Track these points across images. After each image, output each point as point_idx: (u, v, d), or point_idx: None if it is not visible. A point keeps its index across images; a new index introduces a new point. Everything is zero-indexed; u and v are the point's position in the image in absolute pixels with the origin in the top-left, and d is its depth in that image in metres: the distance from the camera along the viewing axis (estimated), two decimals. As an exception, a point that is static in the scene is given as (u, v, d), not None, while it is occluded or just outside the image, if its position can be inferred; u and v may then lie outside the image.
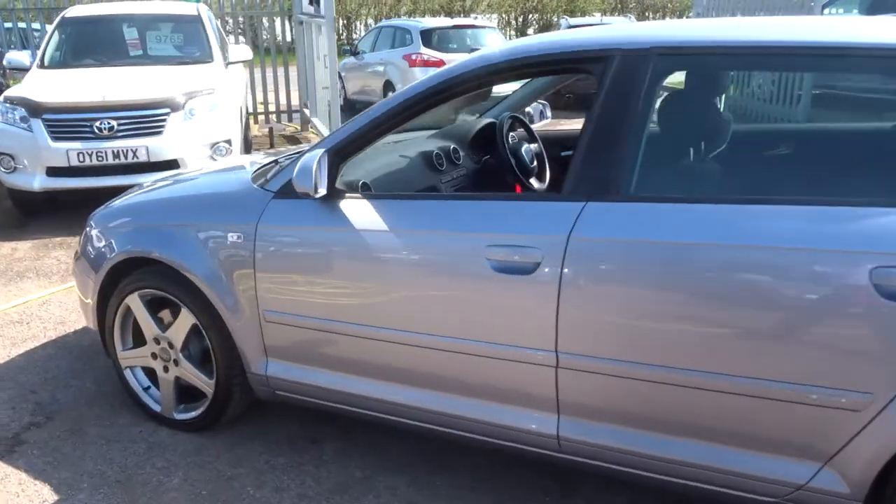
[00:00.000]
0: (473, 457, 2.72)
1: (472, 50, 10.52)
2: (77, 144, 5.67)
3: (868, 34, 1.95)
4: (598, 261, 2.02)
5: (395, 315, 2.32)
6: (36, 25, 10.15)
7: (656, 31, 2.15)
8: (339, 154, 2.45)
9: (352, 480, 2.64)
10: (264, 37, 11.36)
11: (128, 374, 3.05)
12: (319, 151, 2.37)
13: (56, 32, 7.05)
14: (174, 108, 5.89)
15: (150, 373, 3.04)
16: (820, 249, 1.80)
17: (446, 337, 2.25)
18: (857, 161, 2.11)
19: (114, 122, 5.71)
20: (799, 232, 1.83)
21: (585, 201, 2.07)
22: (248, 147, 7.21)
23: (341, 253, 2.39)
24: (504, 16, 26.96)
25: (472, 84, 2.37)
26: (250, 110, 9.75)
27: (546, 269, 2.07)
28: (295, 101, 10.99)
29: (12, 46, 9.77)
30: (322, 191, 2.35)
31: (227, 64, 7.18)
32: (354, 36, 27.74)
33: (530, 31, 28.47)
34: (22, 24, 10.06)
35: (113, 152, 5.71)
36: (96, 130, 5.69)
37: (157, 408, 3.00)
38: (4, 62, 7.12)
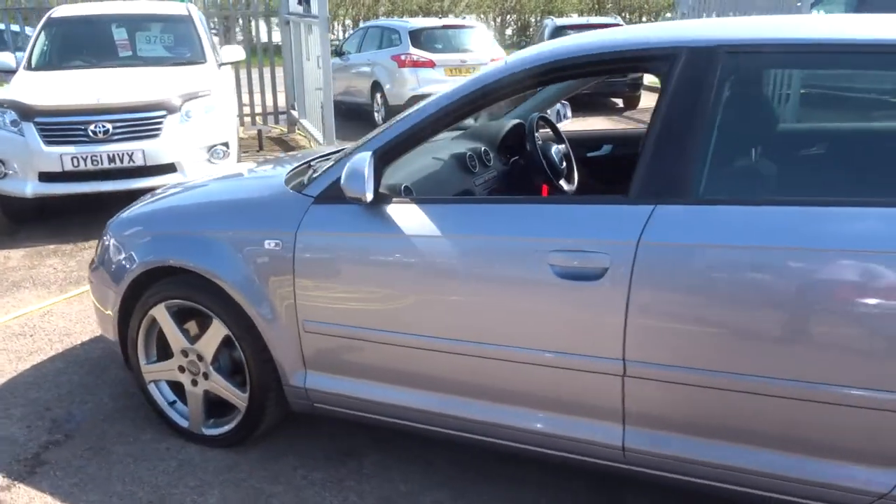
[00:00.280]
0: (515, 467, 2.64)
1: (462, 50, 10.47)
2: (71, 148, 5.50)
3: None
4: (669, 266, 1.95)
5: (450, 324, 2.24)
6: (15, 27, 9.89)
7: (723, 28, 2.09)
8: (385, 157, 2.36)
9: (396, 495, 2.55)
10: (238, 38, 11.16)
11: (152, 388, 2.92)
12: (366, 154, 2.27)
13: (42, 33, 6.84)
14: (170, 110, 5.74)
15: (175, 387, 2.92)
16: None
17: (506, 346, 2.17)
18: None
19: (109, 125, 5.55)
20: (884, 234, 1.77)
21: (654, 204, 2.00)
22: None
23: (392, 260, 2.29)
24: (482, 16, 26.92)
25: (525, 84, 2.29)
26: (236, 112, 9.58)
27: (614, 275, 2.00)
28: (281, 103, 10.84)
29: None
30: (370, 195, 2.25)
31: (220, 65, 7.03)
32: (332, 36, 27.54)
33: (508, 31, 28.49)
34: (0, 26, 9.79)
35: (108, 156, 5.54)
36: (91, 134, 5.52)
37: (184, 423, 2.88)
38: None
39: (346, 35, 20.37)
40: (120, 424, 3.04)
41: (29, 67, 6.49)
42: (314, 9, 8.11)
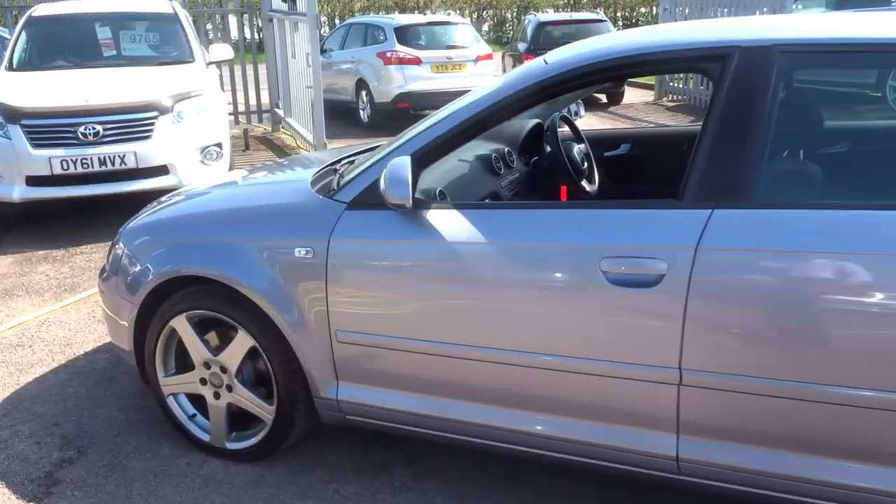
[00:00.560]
0: (550, 477, 2.58)
1: (448, 46, 10.38)
2: (60, 151, 5.34)
3: None
4: (729, 272, 1.90)
5: (495, 333, 2.16)
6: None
7: (777, 27, 2.04)
8: (422, 161, 2.28)
9: (433, 509, 2.48)
10: (209, 36, 10.93)
11: (170, 401, 2.82)
12: (406, 159, 2.19)
13: (23, 33, 6.64)
14: (162, 111, 5.60)
15: (195, 399, 2.82)
16: None
17: (555, 356, 2.11)
18: None
19: (99, 127, 5.39)
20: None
21: (712, 208, 1.94)
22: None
23: (434, 268, 2.21)
24: (458, 12, 26.83)
25: (571, 85, 2.22)
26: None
27: (671, 282, 1.94)
28: (264, 101, 10.68)
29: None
30: (412, 201, 2.18)
31: (209, 64, 6.88)
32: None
33: (485, 26, 28.42)
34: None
35: (99, 159, 5.39)
36: (80, 136, 5.37)
37: (205, 437, 2.78)
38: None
39: (326, 32, 20.18)
40: (135, 439, 2.93)
41: (10, 68, 6.29)
42: (300, 6, 7.99)
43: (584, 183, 3.15)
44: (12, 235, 5.72)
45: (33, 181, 5.39)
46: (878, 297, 1.78)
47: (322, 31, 19.57)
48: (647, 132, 3.65)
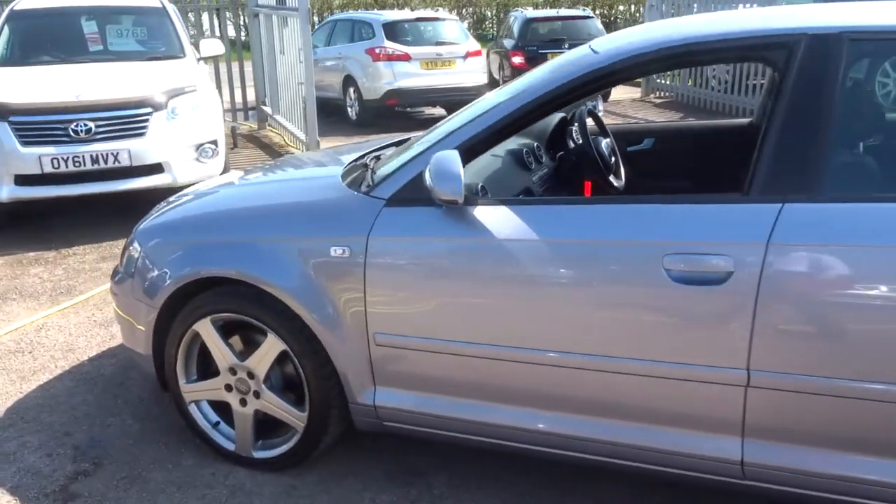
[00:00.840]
0: (594, 482, 2.50)
1: (437, 43, 10.26)
2: (50, 149, 5.15)
3: None
4: (802, 268, 1.82)
5: (548, 335, 2.07)
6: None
7: (845, 14, 1.96)
8: (466, 155, 2.18)
9: (475, 517, 2.38)
10: (191, 33, 10.72)
11: (193, 409, 2.69)
12: (453, 152, 2.09)
13: (5, 27, 6.41)
14: (156, 107, 5.43)
15: (217, 406, 2.69)
16: None
17: (610, 357, 2.02)
18: None
19: (91, 124, 5.21)
20: None
21: (781, 202, 1.86)
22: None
23: (483, 267, 2.11)
24: (436, 10, 26.66)
25: (622, 76, 2.13)
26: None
27: (740, 279, 1.86)
28: (249, 99, 10.49)
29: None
30: (463, 197, 2.07)
31: (199, 59, 6.71)
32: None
33: (465, 23, 28.24)
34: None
35: (91, 157, 5.21)
36: (72, 133, 5.18)
37: (229, 446, 2.66)
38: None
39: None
40: (152, 448, 2.80)
41: (-6, 64, 6.07)
42: (290, 1, 7.83)
43: (611, 178, 3.07)
44: (1, 236, 5.52)
45: (22, 180, 5.19)
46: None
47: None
48: (670, 126, 3.58)
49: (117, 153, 5.26)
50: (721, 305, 1.89)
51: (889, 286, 1.76)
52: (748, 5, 10.30)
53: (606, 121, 3.43)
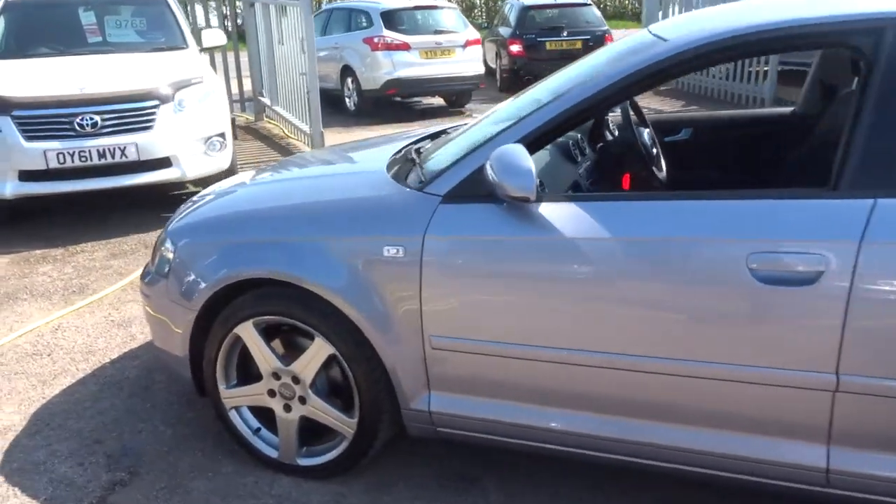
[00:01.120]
0: (660, 488, 2.42)
1: (436, 32, 10.12)
2: (55, 144, 5.00)
3: None
4: (897, 267, 1.74)
5: (620, 337, 1.98)
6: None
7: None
8: (529, 149, 2.07)
9: (534, 525, 2.30)
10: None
11: (233, 415, 2.58)
12: (519, 147, 1.99)
13: (1, 18, 6.21)
14: (163, 99, 5.29)
15: (257, 411, 2.59)
16: None
17: (690, 361, 1.93)
18: None
19: (97, 118, 5.06)
20: None
21: (874, 197, 1.78)
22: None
23: (550, 267, 2.01)
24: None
25: (694, 65, 2.04)
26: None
27: (831, 279, 1.78)
28: (246, 90, 10.33)
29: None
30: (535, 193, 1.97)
31: (202, 50, 6.55)
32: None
33: (453, 13, 28.02)
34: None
35: (98, 151, 5.06)
36: (77, 127, 5.03)
37: (272, 453, 2.56)
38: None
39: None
40: (188, 456, 2.69)
41: (-8, 56, 5.88)
42: (291, -10, 7.67)
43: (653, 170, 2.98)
44: (2, 233, 5.36)
45: (27, 176, 5.04)
46: None
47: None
48: (708, 116, 3.50)
49: (124, 147, 5.11)
50: (809, 307, 1.81)
51: None
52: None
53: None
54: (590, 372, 2.05)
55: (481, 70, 10.45)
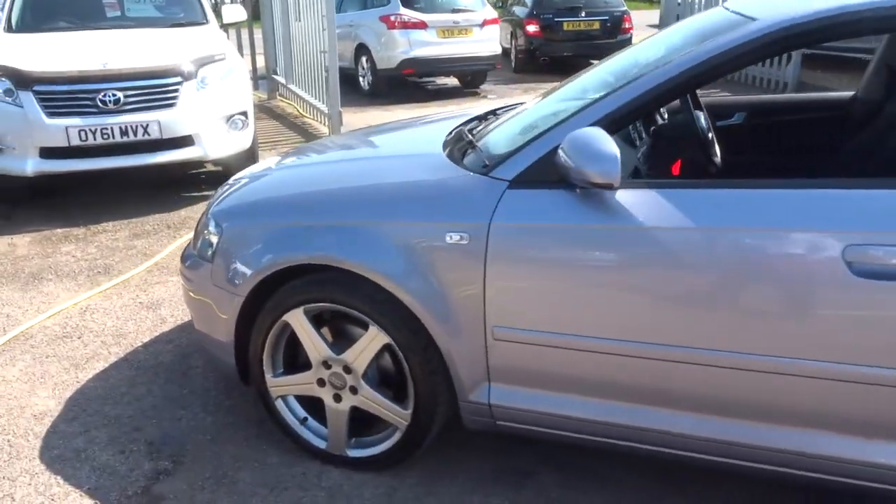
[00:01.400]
0: (724, 486, 2.35)
1: (454, 10, 9.96)
2: (77, 121, 4.89)
3: None
4: None
5: (701, 331, 1.89)
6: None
7: None
8: (608, 130, 1.97)
9: (596, 521, 2.23)
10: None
11: (280, 404, 2.50)
12: (597, 130, 1.90)
13: (17, -9, 6.08)
14: (186, 76, 5.17)
15: (304, 400, 2.51)
16: None
17: (779, 357, 1.84)
18: None
19: (120, 94, 4.95)
20: None
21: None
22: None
23: (628, 258, 1.92)
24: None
25: (783, 46, 1.93)
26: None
27: (932, 273, 1.68)
28: (259, 67, 10.19)
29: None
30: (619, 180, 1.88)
31: (222, 26, 6.42)
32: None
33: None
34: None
35: (121, 129, 4.95)
36: (100, 104, 4.92)
37: (320, 444, 2.48)
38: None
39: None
40: (232, 445, 2.62)
41: (9, 29, 5.75)
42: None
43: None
44: (22, 212, 5.28)
45: (48, 153, 4.93)
46: None
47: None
48: (761, 100, 3.38)
49: (147, 125, 5.00)
50: (910, 302, 1.71)
51: None
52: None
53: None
54: (661, 366, 1.95)
55: (498, 50, 10.30)
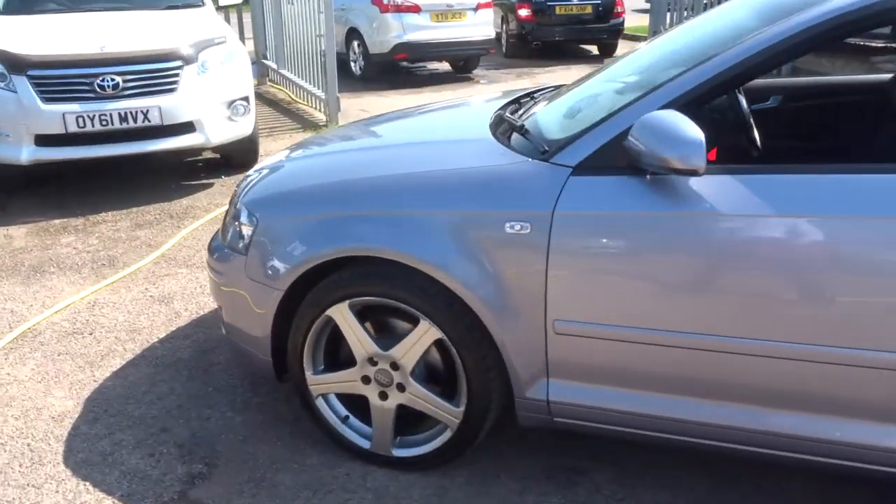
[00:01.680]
0: (784, 481, 2.27)
1: (447, -7, 9.78)
2: (75, 106, 4.70)
3: None
4: None
5: (780, 323, 1.80)
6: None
7: None
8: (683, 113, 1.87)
9: (658, 521, 2.15)
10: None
11: (320, 403, 2.39)
12: (674, 113, 1.79)
13: (4, -29, 5.85)
14: (186, 60, 4.99)
15: (345, 398, 2.40)
16: None
17: (861, 349, 1.75)
18: None
19: (118, 79, 4.76)
20: None
21: None
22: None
23: (703, 248, 1.82)
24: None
25: (864, 25, 1.84)
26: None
27: None
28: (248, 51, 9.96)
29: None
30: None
31: (218, 9, 6.23)
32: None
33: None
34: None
35: (120, 115, 4.77)
36: (98, 89, 4.73)
37: (363, 443, 2.37)
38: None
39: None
40: (266, 446, 2.50)
41: (-1, 11, 5.53)
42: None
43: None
44: (16, 201, 5.08)
45: (44, 140, 4.74)
46: None
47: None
48: (797, 83, 3.31)
49: (147, 111, 4.82)
50: None
51: None
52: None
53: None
54: (737, 360, 1.86)
55: (492, 34, 10.17)
